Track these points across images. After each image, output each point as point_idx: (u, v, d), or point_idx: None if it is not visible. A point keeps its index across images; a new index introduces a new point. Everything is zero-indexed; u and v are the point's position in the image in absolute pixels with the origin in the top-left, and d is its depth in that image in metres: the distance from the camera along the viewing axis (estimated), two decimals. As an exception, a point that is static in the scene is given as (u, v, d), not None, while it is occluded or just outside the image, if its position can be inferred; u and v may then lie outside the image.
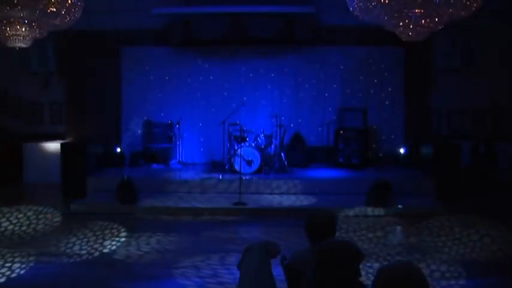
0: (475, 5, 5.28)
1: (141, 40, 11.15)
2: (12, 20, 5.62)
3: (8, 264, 5.65)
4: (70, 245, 6.44)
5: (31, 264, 5.69)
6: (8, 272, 5.41)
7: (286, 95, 11.39)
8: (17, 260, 5.82)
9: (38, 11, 5.46)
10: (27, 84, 11.27)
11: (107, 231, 7.12)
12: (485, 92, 10.88)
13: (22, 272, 5.47)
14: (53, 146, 10.61)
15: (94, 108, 11.15)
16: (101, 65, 11.05)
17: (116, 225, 7.49)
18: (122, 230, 7.23)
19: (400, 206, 8.07)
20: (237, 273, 3.42)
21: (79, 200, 8.60)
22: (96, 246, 6.44)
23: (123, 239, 6.77)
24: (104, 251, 6.26)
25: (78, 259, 5.93)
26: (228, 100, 11.17)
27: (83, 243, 6.52)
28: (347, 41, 11.02)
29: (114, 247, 6.42)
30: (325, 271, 2.39)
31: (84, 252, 6.18)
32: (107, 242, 6.59)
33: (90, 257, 6.00)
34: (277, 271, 3.30)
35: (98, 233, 7.01)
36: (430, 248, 6.36)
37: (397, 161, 10.95)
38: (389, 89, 11.34)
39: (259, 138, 10.00)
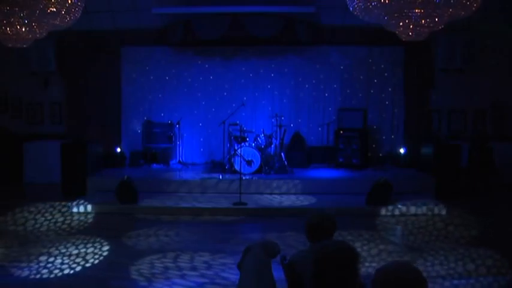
0: (475, 5, 5.27)
1: (141, 40, 11.14)
2: (12, 20, 5.61)
3: (7, 264, 5.66)
4: (70, 245, 6.44)
5: (32, 264, 5.69)
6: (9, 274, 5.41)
7: (286, 95, 11.39)
8: (19, 259, 5.82)
9: (38, 11, 5.45)
10: (27, 84, 11.26)
11: (106, 232, 7.11)
12: (485, 92, 10.87)
13: (23, 272, 5.47)
14: (53, 146, 10.60)
15: (94, 108, 11.14)
16: (101, 65, 11.06)
17: (115, 226, 7.49)
18: (122, 230, 7.23)
19: (400, 206, 8.06)
20: (237, 273, 3.42)
21: (79, 199, 8.59)
22: (95, 246, 6.44)
23: (122, 239, 6.77)
24: (104, 251, 6.26)
25: (77, 259, 5.92)
26: (228, 100, 11.18)
27: (82, 243, 6.52)
28: (347, 41, 11.01)
29: (113, 247, 6.42)
30: (325, 271, 2.39)
31: (83, 252, 6.18)
32: (106, 242, 6.58)
33: (89, 257, 6.00)
34: (277, 271, 3.31)
35: (97, 233, 7.01)
36: (429, 248, 6.36)
37: (397, 161, 10.94)
38: (389, 89, 11.34)
39: (259, 138, 10.00)
